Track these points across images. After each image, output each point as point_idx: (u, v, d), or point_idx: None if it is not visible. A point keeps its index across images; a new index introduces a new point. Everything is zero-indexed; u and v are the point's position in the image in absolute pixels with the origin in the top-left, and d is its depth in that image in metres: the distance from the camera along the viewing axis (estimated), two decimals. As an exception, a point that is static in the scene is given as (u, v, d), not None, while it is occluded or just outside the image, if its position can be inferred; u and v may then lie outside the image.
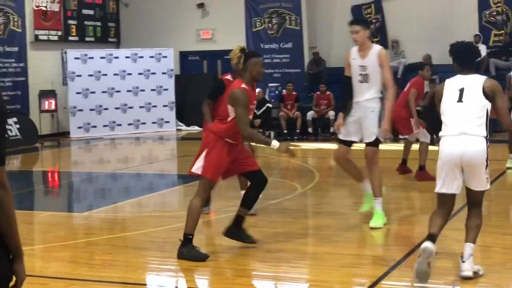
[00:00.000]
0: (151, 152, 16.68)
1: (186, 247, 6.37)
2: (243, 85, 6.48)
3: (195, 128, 19.79)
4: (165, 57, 19.61)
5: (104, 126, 18.92)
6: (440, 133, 5.67)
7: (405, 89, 11.07)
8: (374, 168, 7.57)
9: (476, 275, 5.59)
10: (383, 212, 7.52)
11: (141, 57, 19.38)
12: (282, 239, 7.10)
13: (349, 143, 7.72)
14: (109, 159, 15.61)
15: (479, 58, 6.93)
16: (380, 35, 19.47)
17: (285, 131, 17.72)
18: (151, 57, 19.52)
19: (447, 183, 5.57)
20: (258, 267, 6.25)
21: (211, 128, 6.61)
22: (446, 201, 5.64)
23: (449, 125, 5.58)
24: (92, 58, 18.81)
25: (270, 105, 17.85)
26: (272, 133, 17.63)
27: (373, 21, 19.49)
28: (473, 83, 5.58)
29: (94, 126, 18.79)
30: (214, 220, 8.34)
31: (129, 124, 19.20)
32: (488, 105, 5.52)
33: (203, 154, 6.44)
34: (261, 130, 17.60)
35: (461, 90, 5.57)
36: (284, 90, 18.43)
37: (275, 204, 8.95)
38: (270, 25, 20.20)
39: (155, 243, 7.25)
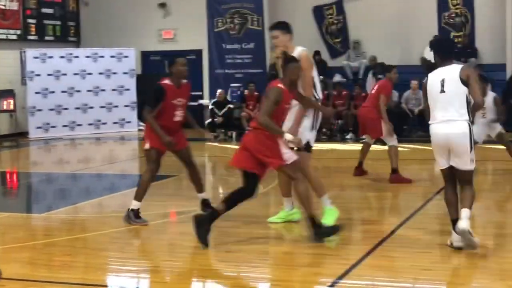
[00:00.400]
0: (112, 153, 16.55)
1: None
2: (280, 84, 6.82)
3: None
4: (126, 57, 19.47)
5: (64, 126, 18.71)
6: (429, 121, 6.43)
7: (373, 91, 11.15)
8: (308, 173, 7.32)
9: (470, 234, 6.18)
10: (332, 208, 7.39)
11: (102, 56, 19.21)
12: (244, 239, 7.10)
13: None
14: (69, 159, 15.45)
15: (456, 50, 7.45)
16: (341, 36, 19.60)
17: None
18: (112, 56, 19.36)
19: (440, 161, 6.45)
20: (219, 267, 6.24)
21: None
22: (447, 175, 6.48)
23: (436, 114, 6.33)
24: (51, 57, 18.58)
25: (231, 106, 17.86)
26: (234, 133, 17.63)
27: (335, 21, 19.62)
28: (451, 73, 6.26)
29: (54, 126, 18.57)
30: (176, 220, 8.31)
31: (90, 124, 19.02)
32: (466, 91, 6.23)
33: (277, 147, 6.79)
34: (223, 131, 17.61)
35: (442, 81, 6.26)
36: (246, 90, 18.43)
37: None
38: (232, 25, 20.18)
39: (115, 244, 7.19)
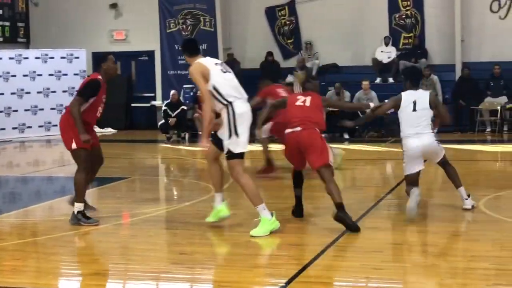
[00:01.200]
0: (62, 155, 16.30)
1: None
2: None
3: (108, 130, 19.50)
4: (77, 57, 19.26)
5: (14, 128, 18.44)
6: (402, 134, 7.93)
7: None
8: (239, 181, 7.24)
9: (473, 208, 8.13)
10: (268, 218, 7.17)
11: (52, 57, 18.98)
12: (196, 241, 7.08)
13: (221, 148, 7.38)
14: (18, 162, 15.21)
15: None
16: (293, 36, 19.70)
17: (200, 133, 17.67)
18: (63, 57, 19.14)
19: (412, 168, 7.83)
20: (171, 269, 6.21)
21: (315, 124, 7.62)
22: (413, 179, 7.86)
23: (407, 129, 7.88)
24: (0, 58, 18.28)
25: (185, 107, 17.79)
26: (186, 134, 17.58)
27: (287, 22, 19.71)
28: (422, 97, 7.96)
29: (3, 129, 18.28)
30: (128, 223, 8.25)
31: (40, 126, 18.77)
32: (431, 111, 7.94)
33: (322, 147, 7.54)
34: (175, 132, 17.54)
35: (414, 102, 7.87)
36: (198, 92, 18.37)
37: (190, 206, 8.93)
38: (184, 26, 20.12)
39: (66, 247, 7.10)
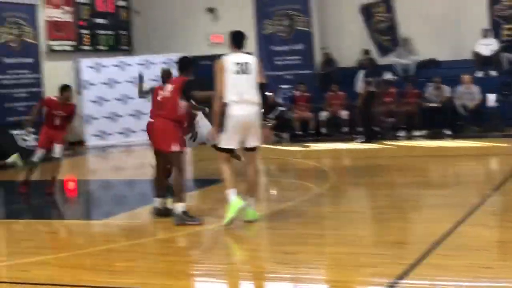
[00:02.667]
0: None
1: None
2: None
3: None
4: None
5: (119, 133, 19.03)
6: None
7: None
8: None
9: None
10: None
11: (153, 63, 19.45)
12: (300, 241, 7.14)
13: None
14: (125, 166, 15.70)
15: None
16: (390, 33, 19.45)
17: (299, 132, 17.75)
18: (164, 63, 19.54)
19: None
20: (276, 269, 6.28)
21: None
22: None
23: None
24: (105, 66, 18.93)
25: (282, 108, 17.88)
26: (286, 135, 17.67)
27: (383, 19, 19.49)
28: None
29: (109, 134, 18.89)
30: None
31: (144, 131, 19.16)
32: None
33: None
34: (275, 132, 17.66)
35: None
36: (296, 92, 18.47)
37: (291, 206, 8.99)
38: (280, 27, 20.24)
39: (174, 248, 7.30)
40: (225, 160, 8.02)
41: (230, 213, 7.80)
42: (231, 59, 8.00)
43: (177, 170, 8.20)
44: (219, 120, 7.83)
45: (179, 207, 8.13)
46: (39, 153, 11.35)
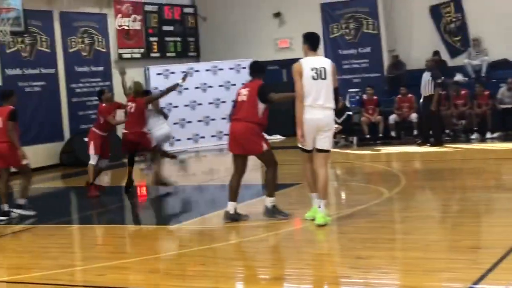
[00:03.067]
0: (235, 163, 16.81)
1: None
2: None
3: (277, 137, 19.88)
4: (244, 68, 19.73)
5: (188, 139, 19.24)
6: None
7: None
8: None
9: None
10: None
11: (221, 69, 19.62)
12: (371, 245, 7.07)
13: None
14: (194, 171, 15.86)
15: None
16: (461, 34, 19.13)
17: (368, 136, 17.60)
18: (231, 68, 19.75)
19: None
20: (348, 273, 6.24)
21: None
22: None
23: None
24: (173, 73, 19.16)
25: (350, 112, 17.76)
26: (354, 139, 17.55)
27: (453, 19, 19.17)
28: None
29: (178, 140, 19.11)
30: (302, 228, 8.38)
31: (212, 136, 19.45)
32: None
33: None
34: (343, 136, 17.56)
35: None
36: (364, 95, 18.32)
37: (362, 210, 8.91)
38: (347, 30, 20.13)
39: (245, 253, 7.33)
40: (306, 161, 8.30)
41: (310, 214, 8.22)
42: (308, 64, 8.07)
43: (271, 166, 8.59)
44: (300, 122, 8.06)
45: (270, 202, 8.55)
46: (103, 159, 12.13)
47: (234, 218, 8.62)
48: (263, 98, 8.50)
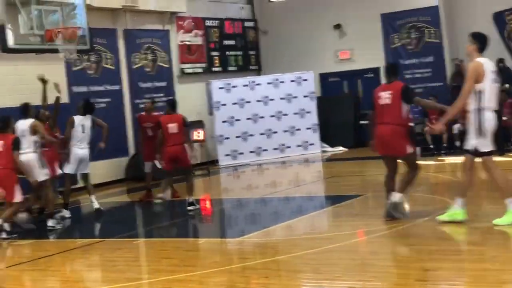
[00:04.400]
0: (297, 175, 16.84)
1: None
2: None
3: (339, 149, 19.80)
4: (305, 80, 19.79)
5: (251, 152, 19.31)
6: None
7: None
8: (492, 174, 8.12)
9: None
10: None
11: (282, 82, 19.65)
12: (439, 257, 6.97)
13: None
14: (257, 184, 15.91)
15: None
16: (526, 40, 18.74)
17: (431, 146, 17.36)
18: (292, 81, 19.77)
19: None
20: (416, 286, 6.16)
21: None
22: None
23: None
24: (235, 86, 19.30)
25: (411, 124, 17.51)
26: (418, 149, 17.31)
27: (519, 27, 18.80)
28: None
29: (241, 153, 19.21)
30: (366, 240, 8.32)
31: (275, 149, 19.48)
32: None
33: None
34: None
35: None
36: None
37: (427, 221, 8.78)
38: (408, 40, 19.96)
39: (309, 265, 7.31)
40: (495, 167, 8.21)
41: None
42: (489, 66, 8.10)
43: (414, 170, 8.85)
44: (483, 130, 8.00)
45: (398, 197, 8.73)
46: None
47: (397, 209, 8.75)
48: (408, 99, 8.75)
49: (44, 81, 12.24)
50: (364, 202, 11.17)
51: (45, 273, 8.11)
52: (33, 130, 10.91)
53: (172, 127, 11.67)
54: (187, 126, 12.10)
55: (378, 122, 8.89)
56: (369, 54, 20.41)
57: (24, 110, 11.37)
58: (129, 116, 17.69)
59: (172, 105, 12.26)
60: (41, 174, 10.87)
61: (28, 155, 10.73)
